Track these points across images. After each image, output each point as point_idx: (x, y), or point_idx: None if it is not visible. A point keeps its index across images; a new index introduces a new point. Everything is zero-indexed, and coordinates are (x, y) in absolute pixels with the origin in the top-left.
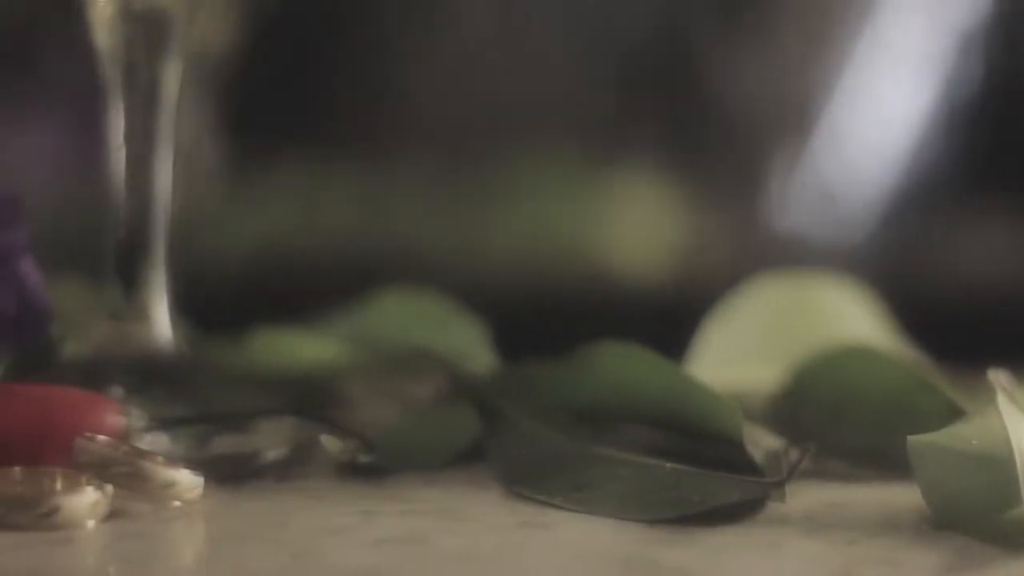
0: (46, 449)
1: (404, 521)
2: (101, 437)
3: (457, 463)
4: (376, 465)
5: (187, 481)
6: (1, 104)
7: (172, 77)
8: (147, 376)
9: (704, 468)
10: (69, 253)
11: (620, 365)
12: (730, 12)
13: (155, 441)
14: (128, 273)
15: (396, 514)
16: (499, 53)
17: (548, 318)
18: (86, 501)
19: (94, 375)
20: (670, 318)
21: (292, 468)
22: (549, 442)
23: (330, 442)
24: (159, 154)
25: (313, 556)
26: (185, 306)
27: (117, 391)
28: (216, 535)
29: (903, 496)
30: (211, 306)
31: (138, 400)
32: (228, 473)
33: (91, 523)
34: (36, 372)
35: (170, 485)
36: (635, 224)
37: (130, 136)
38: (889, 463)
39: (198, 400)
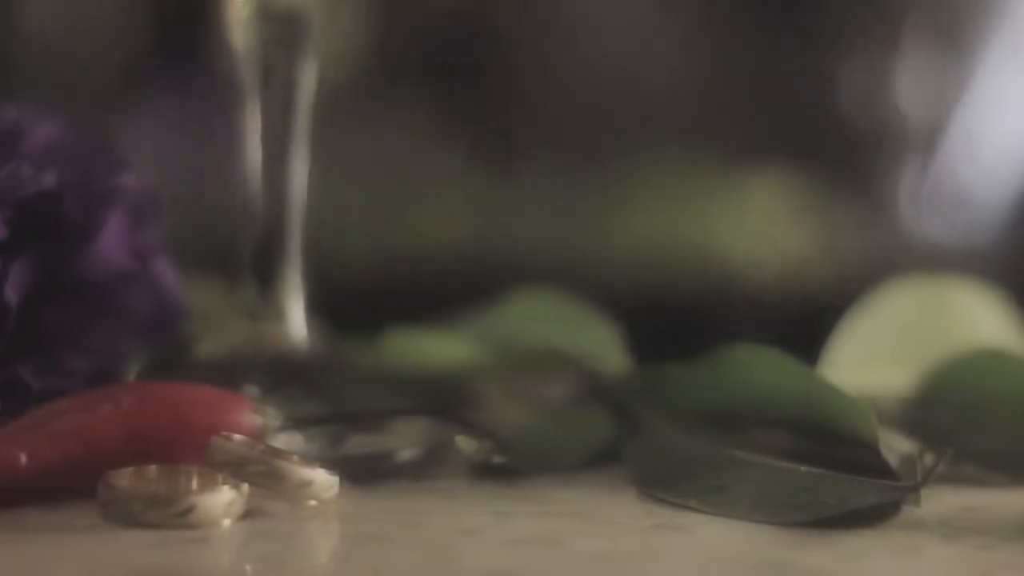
0: (182, 447)
1: (539, 522)
2: (237, 436)
3: (591, 465)
4: (510, 466)
5: (323, 480)
6: (138, 104)
7: (308, 78)
8: (282, 375)
9: (838, 471)
10: (204, 253)
11: (754, 368)
12: (862, 22)
13: (290, 440)
14: (264, 273)
15: (530, 515)
16: (626, 56)
17: (682, 320)
18: (222, 500)
19: (229, 374)
20: (804, 321)
21: (426, 468)
22: (683, 444)
23: (464, 443)
24: (294, 154)
25: (448, 556)
26: (319, 306)
27: (252, 390)
28: (351, 535)
29: None
30: (345, 306)
31: (273, 399)
32: (362, 473)
33: (227, 522)
34: (171, 371)
35: (306, 484)
36: (769, 227)
37: (266, 136)
38: None
39: (332, 400)
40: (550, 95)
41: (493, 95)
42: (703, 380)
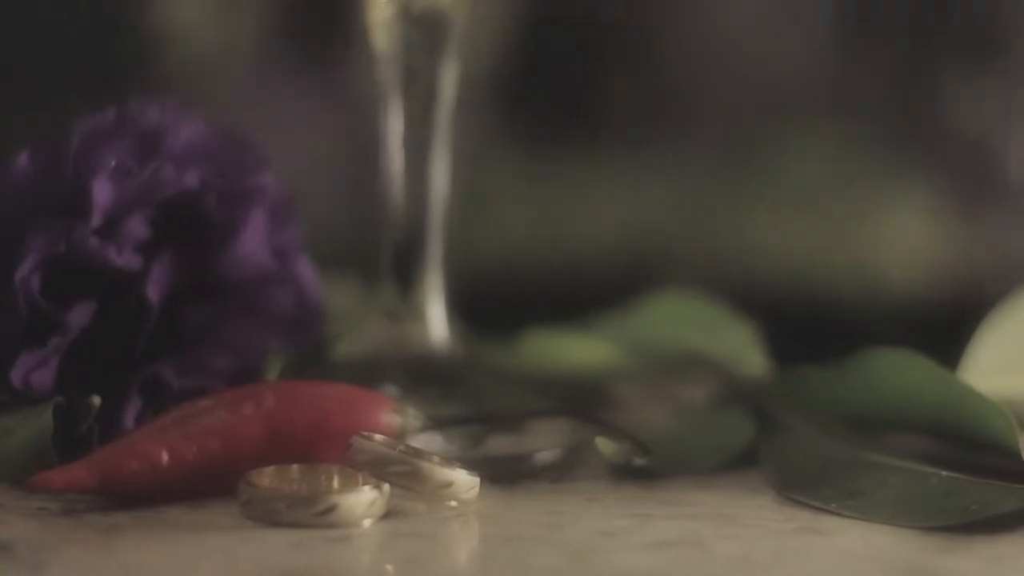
0: (322, 447)
1: (679, 525)
2: (378, 436)
3: (730, 467)
4: (649, 468)
5: (464, 481)
6: (278, 104)
7: (450, 78)
8: (421, 375)
9: (978, 476)
10: (344, 253)
11: (894, 371)
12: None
13: (429, 440)
14: (404, 273)
15: (671, 517)
16: (768, 55)
17: (822, 322)
18: (363, 499)
19: (369, 373)
20: (944, 325)
21: (565, 469)
22: (823, 447)
23: (604, 444)
24: (436, 155)
25: (589, 558)
26: (459, 306)
27: (391, 390)
28: (492, 535)
29: None
30: (485, 307)
31: (412, 399)
32: (502, 473)
33: (367, 522)
34: (311, 370)
35: (447, 485)
36: (911, 231)
37: (407, 136)
38: None
39: (471, 400)
40: (693, 95)
41: (634, 95)
42: (843, 383)
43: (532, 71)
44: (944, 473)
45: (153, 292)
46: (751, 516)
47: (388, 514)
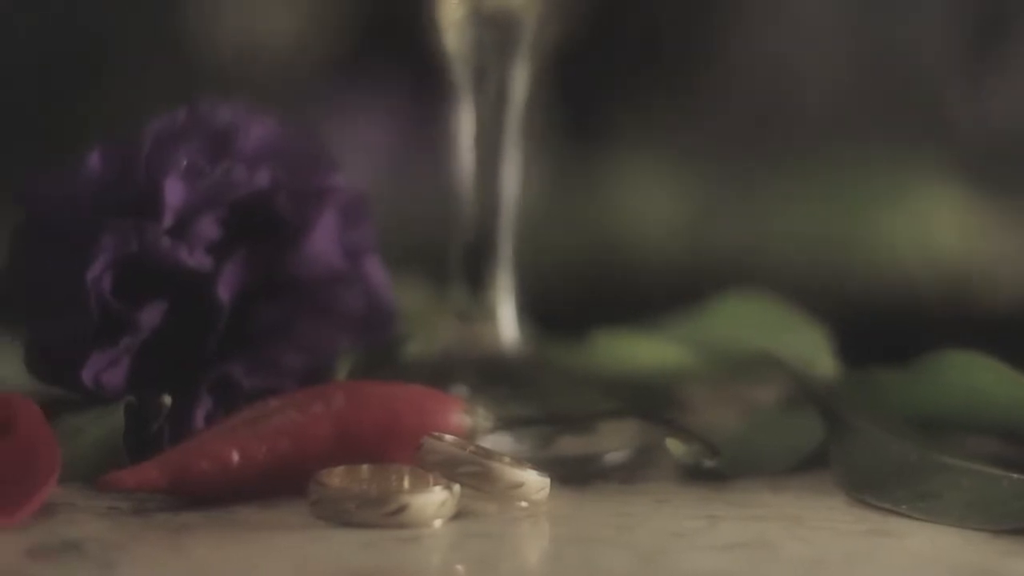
0: (393, 447)
1: (749, 526)
2: (448, 436)
3: (800, 468)
4: (719, 469)
5: (534, 482)
6: (348, 104)
7: (520, 78)
8: (491, 376)
9: None
10: (414, 253)
11: (965, 373)
12: None
13: (498, 441)
14: (474, 273)
15: (741, 519)
16: (829, 60)
17: (893, 324)
18: (434, 500)
19: (439, 374)
20: (1016, 327)
21: (635, 470)
22: (893, 449)
23: (674, 446)
24: (507, 155)
25: (660, 559)
26: (528, 307)
27: (461, 390)
28: (562, 536)
29: None
30: (554, 307)
31: (482, 400)
32: (571, 474)
33: (438, 522)
34: (381, 370)
35: (518, 486)
36: (982, 234)
37: (479, 137)
38: None
39: (540, 401)
40: (756, 95)
41: (700, 95)
42: (913, 385)
43: (600, 74)
44: (1015, 476)
45: (224, 292)
46: (821, 518)
47: (458, 514)
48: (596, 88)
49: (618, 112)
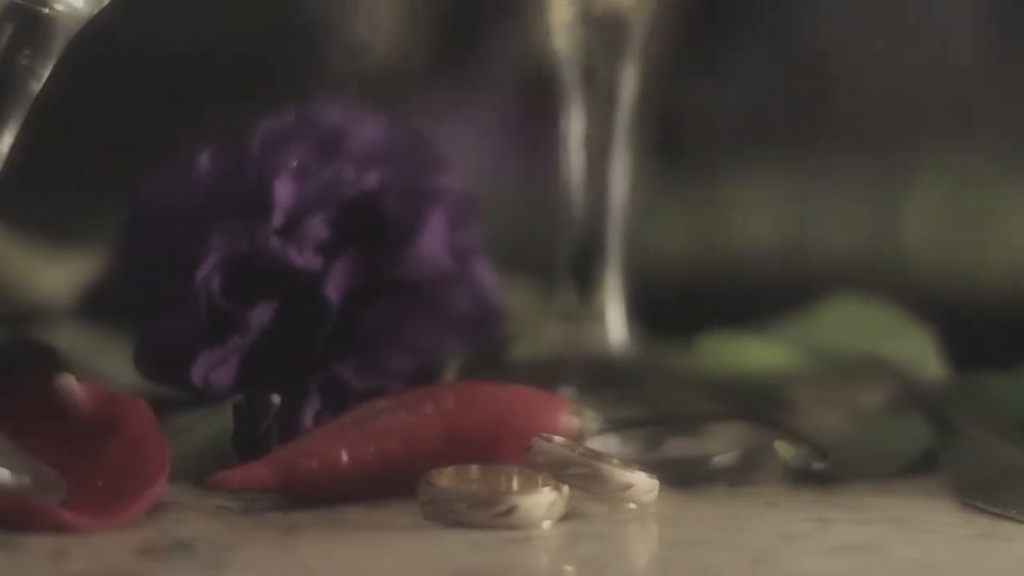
0: (502, 448)
1: (859, 529)
2: (558, 437)
3: (908, 472)
4: (828, 472)
5: (643, 484)
6: (456, 105)
7: (629, 80)
8: (599, 377)
9: None
10: (521, 254)
11: None
12: None
13: (605, 442)
14: (583, 275)
15: (850, 522)
16: (933, 61)
17: (1002, 327)
18: (543, 501)
19: (547, 375)
20: None
21: (743, 473)
22: (1003, 453)
23: (783, 448)
24: (616, 156)
25: (769, 562)
26: (636, 308)
27: (568, 392)
28: (671, 538)
29: None
30: (661, 309)
31: (589, 401)
32: (679, 476)
33: (547, 523)
34: (488, 371)
35: (627, 487)
36: None
37: (588, 138)
38: None
39: (648, 403)
40: (866, 97)
41: (804, 98)
42: (1021, 389)
43: (696, 75)
44: None
45: (333, 292)
46: (930, 521)
47: (567, 516)
48: (705, 89)
49: (727, 114)
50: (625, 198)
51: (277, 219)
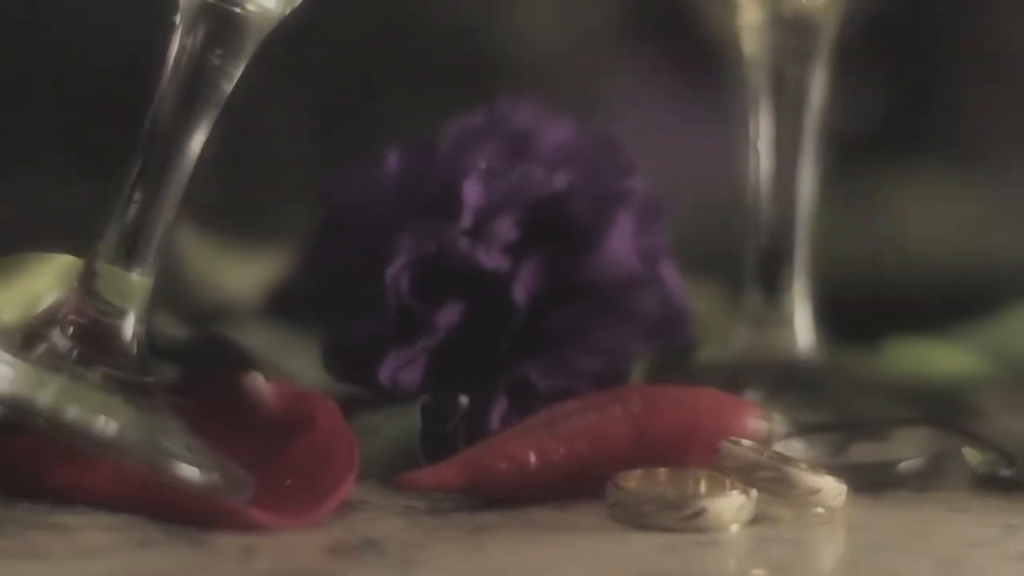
0: (689, 450)
1: None
2: (745, 441)
3: None
4: (1016, 478)
5: (831, 488)
6: (640, 108)
7: (818, 83)
8: (785, 381)
9: None
10: (706, 257)
11: None
12: None
13: (791, 447)
14: (770, 279)
15: None
16: None
17: None
18: (732, 504)
19: (733, 379)
20: None
21: (929, 478)
22: None
23: (971, 454)
24: (804, 160)
25: (957, 568)
26: (821, 313)
27: (753, 395)
28: (859, 543)
29: None
30: (847, 314)
31: (775, 405)
32: (865, 481)
33: (735, 527)
34: (673, 374)
35: (815, 492)
36: None
37: (776, 141)
38: None
39: (833, 407)
40: None
41: (988, 99)
42: None
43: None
44: None
45: (520, 293)
46: None
47: (754, 520)
48: (881, 92)
49: (904, 117)
50: (812, 202)
51: (466, 220)
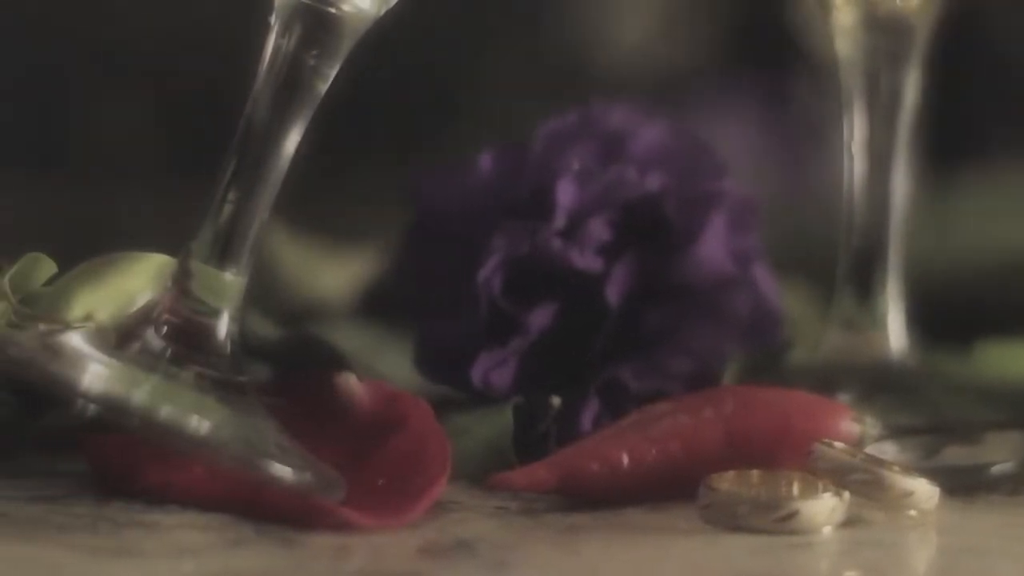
0: (782, 452)
1: None
2: (838, 443)
3: None
4: None
5: (924, 491)
6: (733, 110)
7: (912, 85)
8: (878, 384)
9: None
10: (799, 259)
11: None
12: None
13: (883, 449)
14: (863, 282)
15: None
16: None
17: None
18: (824, 507)
19: (825, 381)
20: None
21: (1022, 482)
22: None
23: None
24: (897, 162)
25: None
26: (914, 315)
27: (846, 397)
28: (951, 547)
29: None
30: (939, 316)
31: (867, 408)
32: (958, 484)
33: (827, 529)
34: (765, 376)
35: (907, 495)
36: None
37: (869, 143)
38: None
39: (926, 410)
40: None
41: None
42: None
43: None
44: None
45: (613, 294)
46: None
47: (847, 522)
48: (972, 91)
49: (993, 117)
50: (906, 204)
51: (559, 220)
